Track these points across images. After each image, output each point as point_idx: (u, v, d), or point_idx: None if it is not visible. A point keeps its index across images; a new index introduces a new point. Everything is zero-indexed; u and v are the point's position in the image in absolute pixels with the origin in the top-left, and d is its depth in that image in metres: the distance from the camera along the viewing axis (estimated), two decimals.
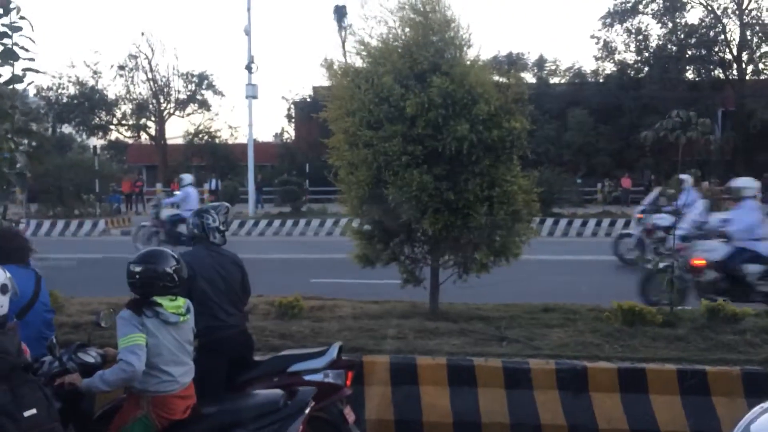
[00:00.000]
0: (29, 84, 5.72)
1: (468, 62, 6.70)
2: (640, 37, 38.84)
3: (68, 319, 6.74)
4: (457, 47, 6.76)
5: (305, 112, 36.68)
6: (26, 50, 5.47)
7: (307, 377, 4.49)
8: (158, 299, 3.69)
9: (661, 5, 38.09)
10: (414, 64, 6.55)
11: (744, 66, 37.80)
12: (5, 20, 5.43)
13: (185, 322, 3.82)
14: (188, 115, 44.59)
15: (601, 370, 5.47)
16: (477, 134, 6.35)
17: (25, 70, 5.55)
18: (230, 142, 44.46)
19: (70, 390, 3.61)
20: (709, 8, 37.83)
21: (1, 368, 2.61)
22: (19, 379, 2.65)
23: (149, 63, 42.41)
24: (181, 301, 3.82)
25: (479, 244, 6.72)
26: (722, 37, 37.92)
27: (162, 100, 43.53)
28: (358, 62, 7.03)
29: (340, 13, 40.45)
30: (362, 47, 6.91)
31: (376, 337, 6.25)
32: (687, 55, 38.08)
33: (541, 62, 42.00)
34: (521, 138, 6.59)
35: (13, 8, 5.42)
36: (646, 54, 38.82)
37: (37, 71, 5.60)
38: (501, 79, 6.98)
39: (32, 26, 5.47)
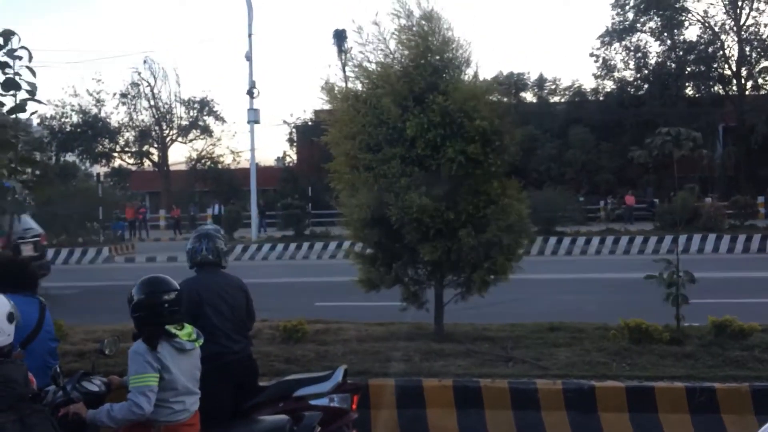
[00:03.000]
0: (32, 114, 5.77)
1: (466, 81, 6.73)
2: (639, 54, 39.11)
3: (72, 347, 6.72)
4: (456, 67, 6.80)
5: (306, 136, 36.89)
6: (27, 83, 5.52)
7: (312, 402, 4.45)
8: (171, 328, 3.68)
9: (658, 23, 38.38)
10: (412, 85, 6.59)
11: (744, 81, 37.99)
12: (6, 49, 5.48)
13: (196, 350, 3.81)
14: (191, 141, 44.86)
15: (609, 390, 5.43)
16: (468, 154, 6.36)
17: (25, 100, 5.59)
18: (233, 167, 44.62)
19: (75, 420, 3.59)
20: (707, 24, 38.10)
21: (9, 398, 2.59)
22: (27, 408, 2.63)
23: (151, 90, 42.79)
24: (189, 328, 3.81)
25: (477, 264, 6.68)
26: (721, 53, 38.16)
27: (164, 127, 43.79)
28: (358, 86, 7.08)
29: (339, 37, 40.76)
30: (361, 71, 6.96)
31: (382, 359, 6.22)
32: (686, 72, 38.29)
33: (541, 81, 42.23)
34: (509, 151, 6.61)
35: (13, 37, 5.47)
36: (646, 71, 39.04)
37: (39, 101, 5.64)
38: (493, 98, 6.98)
39: (31, 55, 5.51)
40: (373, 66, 6.90)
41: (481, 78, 6.94)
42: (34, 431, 2.63)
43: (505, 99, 6.98)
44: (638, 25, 38.80)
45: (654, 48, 39.35)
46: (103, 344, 4.03)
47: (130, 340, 3.76)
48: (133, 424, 3.67)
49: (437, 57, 6.71)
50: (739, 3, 37.01)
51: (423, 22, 6.72)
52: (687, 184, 23.76)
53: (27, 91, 5.55)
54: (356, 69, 7.01)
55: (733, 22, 37.47)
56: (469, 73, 6.83)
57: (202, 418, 3.88)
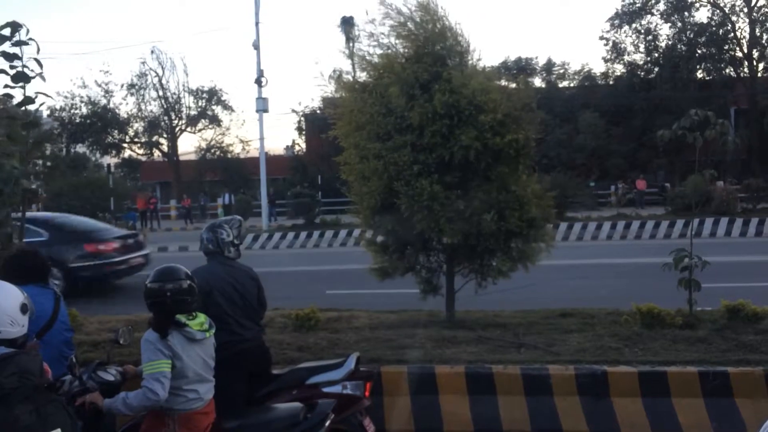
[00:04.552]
0: (41, 105, 5.75)
1: (470, 71, 6.69)
2: (649, 37, 38.72)
3: (87, 337, 6.78)
4: (458, 54, 6.77)
5: (315, 125, 36.86)
6: (34, 72, 5.51)
7: (325, 389, 4.48)
8: (181, 318, 3.70)
9: (668, 5, 37.97)
10: (417, 75, 6.57)
11: (755, 63, 37.55)
12: (14, 41, 5.47)
13: (209, 339, 3.83)
14: (200, 130, 44.99)
15: (621, 375, 5.43)
16: (483, 141, 6.34)
17: (37, 93, 5.60)
18: (242, 156, 44.72)
19: (91, 409, 3.63)
20: (717, 6, 37.64)
21: (25, 389, 2.61)
22: (43, 399, 2.65)
23: (159, 80, 42.87)
24: (203, 317, 3.83)
25: (494, 250, 6.69)
26: (732, 35, 37.71)
27: (173, 117, 43.91)
28: (364, 76, 7.06)
29: (347, 24, 40.59)
30: (366, 63, 6.94)
31: (394, 347, 6.23)
32: (697, 54, 37.88)
33: (549, 66, 41.94)
34: (527, 147, 6.58)
35: (21, 29, 5.47)
36: (656, 54, 38.66)
37: (46, 95, 5.64)
38: (508, 84, 6.97)
39: (38, 47, 5.51)
40: (377, 59, 6.88)
41: (486, 65, 6.93)
42: (50, 421, 2.64)
43: (518, 85, 6.91)
44: (648, 7, 38.40)
45: (664, 30, 39.01)
46: (117, 334, 4.06)
47: (145, 329, 3.79)
48: (149, 414, 3.71)
49: (439, 46, 6.69)
50: None
51: (419, 13, 6.69)
52: (701, 167, 23.56)
53: (35, 77, 5.53)
54: (360, 61, 6.98)
55: (743, 3, 37.02)
56: (472, 59, 6.80)
57: (216, 406, 3.91)
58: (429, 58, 6.60)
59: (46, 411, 2.63)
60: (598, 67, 50.57)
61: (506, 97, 6.59)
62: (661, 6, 38.31)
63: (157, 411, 3.67)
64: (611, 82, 39.70)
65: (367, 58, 6.93)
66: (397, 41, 6.81)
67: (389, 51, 6.85)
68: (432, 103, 6.38)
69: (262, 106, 26.16)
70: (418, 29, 6.68)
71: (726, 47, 37.95)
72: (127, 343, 4.13)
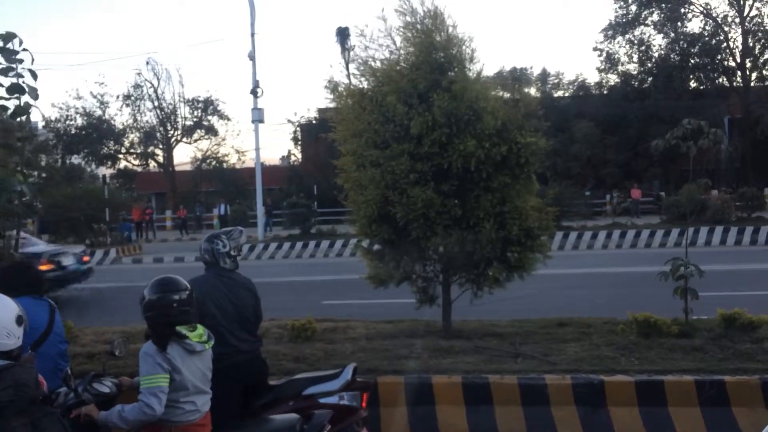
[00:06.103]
0: (28, 114, 5.74)
1: (471, 78, 6.71)
2: (643, 47, 38.95)
3: (82, 349, 6.75)
4: (460, 63, 6.79)
5: (311, 135, 36.89)
6: (29, 87, 5.53)
7: (322, 400, 4.46)
8: (182, 329, 3.68)
9: (661, 16, 38.22)
10: (417, 83, 6.58)
11: (748, 73, 37.78)
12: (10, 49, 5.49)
13: (208, 350, 3.81)
14: (195, 141, 44.91)
15: (618, 384, 5.43)
16: (484, 150, 6.35)
17: (27, 104, 5.60)
18: (238, 166, 44.68)
19: (87, 421, 3.60)
20: (710, 16, 37.90)
21: (19, 401, 2.59)
22: (38, 411, 2.64)
23: (155, 91, 42.83)
24: (201, 329, 3.81)
25: (491, 259, 6.70)
26: (725, 44, 37.95)
27: (169, 128, 43.85)
28: (363, 83, 7.07)
29: (343, 35, 40.73)
30: (366, 69, 6.94)
31: (391, 357, 6.22)
32: (690, 64, 38.11)
33: (544, 76, 42.11)
34: (536, 154, 6.58)
35: (15, 39, 5.48)
36: (650, 64, 38.88)
37: (37, 107, 5.66)
38: (506, 95, 7.00)
39: (33, 58, 5.53)
40: (378, 63, 6.90)
41: (485, 74, 6.94)
42: None
43: (512, 95, 6.94)
44: (641, 18, 38.64)
45: (657, 41, 39.24)
46: (113, 345, 4.03)
47: (140, 341, 3.76)
48: (145, 425, 3.68)
49: (441, 54, 6.70)
50: None
51: (426, 20, 6.71)
52: (695, 176, 23.65)
53: (29, 93, 5.55)
54: (361, 67, 6.99)
55: (736, 14, 37.29)
56: (473, 69, 6.82)
57: (212, 418, 3.89)
58: (428, 66, 6.61)
59: (42, 424, 2.62)
60: (593, 77, 50.93)
61: (508, 106, 6.62)
62: (654, 17, 38.57)
63: (153, 423, 3.64)
64: (605, 92, 39.86)
65: (370, 62, 6.93)
66: (402, 44, 6.81)
67: (393, 54, 6.85)
68: (431, 111, 6.39)
69: (258, 117, 26.17)
70: (423, 35, 6.68)
71: (719, 57, 38.17)
72: (123, 354, 4.11)
